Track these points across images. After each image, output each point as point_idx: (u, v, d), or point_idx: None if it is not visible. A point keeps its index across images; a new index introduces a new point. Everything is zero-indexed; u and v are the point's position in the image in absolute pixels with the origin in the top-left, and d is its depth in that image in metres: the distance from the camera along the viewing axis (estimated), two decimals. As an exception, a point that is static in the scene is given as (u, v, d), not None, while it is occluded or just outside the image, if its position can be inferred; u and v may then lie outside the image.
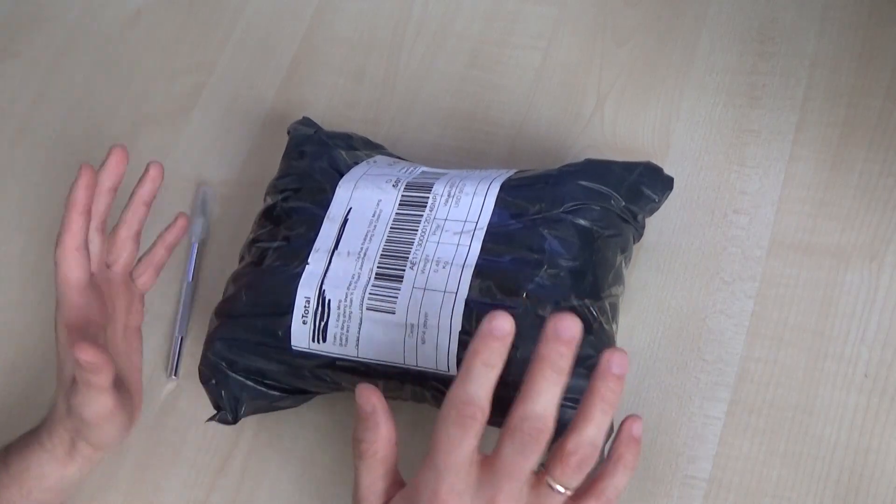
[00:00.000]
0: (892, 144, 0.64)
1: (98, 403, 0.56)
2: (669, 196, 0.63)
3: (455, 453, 0.47)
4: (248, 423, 0.66)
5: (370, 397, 0.51)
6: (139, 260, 0.65)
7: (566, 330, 0.46)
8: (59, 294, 0.59)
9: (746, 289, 0.62)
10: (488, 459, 0.48)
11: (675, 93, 0.69)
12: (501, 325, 0.46)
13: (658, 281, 0.64)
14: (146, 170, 0.64)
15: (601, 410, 0.48)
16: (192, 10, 0.84)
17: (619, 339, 0.60)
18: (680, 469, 0.59)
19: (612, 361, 0.48)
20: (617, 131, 0.69)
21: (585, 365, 0.55)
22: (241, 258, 0.64)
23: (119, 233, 0.64)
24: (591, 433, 0.47)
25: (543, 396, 0.46)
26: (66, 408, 0.58)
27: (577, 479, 0.48)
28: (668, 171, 0.62)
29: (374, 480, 0.51)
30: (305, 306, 0.58)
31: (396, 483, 0.52)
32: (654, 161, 0.62)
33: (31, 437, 0.60)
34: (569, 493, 0.49)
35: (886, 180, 0.63)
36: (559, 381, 0.46)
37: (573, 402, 0.55)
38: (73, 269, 0.59)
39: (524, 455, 0.46)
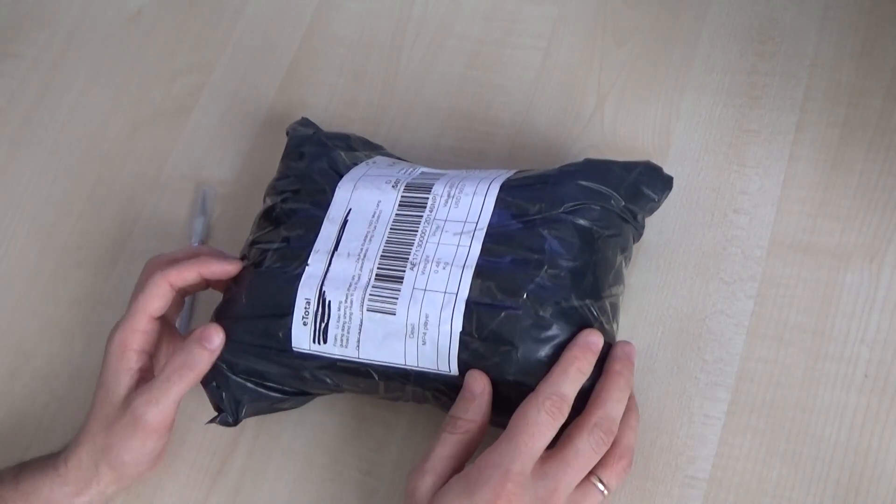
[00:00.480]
0: (892, 144, 0.64)
1: (169, 410, 0.58)
2: (669, 196, 0.63)
3: (538, 438, 0.52)
4: (248, 424, 0.66)
5: (482, 381, 0.54)
6: None
7: (632, 354, 0.56)
8: (133, 315, 0.60)
9: (746, 289, 0.62)
10: (556, 452, 0.53)
11: (675, 93, 0.69)
12: (596, 341, 0.54)
13: (658, 281, 0.64)
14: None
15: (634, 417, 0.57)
16: (191, 10, 0.84)
17: (620, 339, 0.60)
18: (680, 469, 0.59)
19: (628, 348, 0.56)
20: (617, 131, 0.69)
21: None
22: (241, 259, 0.64)
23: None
24: (631, 439, 0.56)
25: (618, 404, 0.54)
26: (104, 427, 0.59)
27: (620, 482, 0.55)
28: (668, 171, 0.62)
29: (449, 455, 0.54)
30: (306, 307, 0.58)
31: (460, 468, 0.54)
32: (655, 161, 0.62)
33: (47, 461, 0.61)
34: (607, 493, 0.54)
35: (886, 180, 0.63)
36: (626, 394, 0.55)
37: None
38: (158, 299, 0.60)
39: (596, 451, 0.53)
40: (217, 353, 0.59)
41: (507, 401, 0.55)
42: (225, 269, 0.62)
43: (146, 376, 0.60)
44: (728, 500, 0.58)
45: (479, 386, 0.54)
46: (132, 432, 0.59)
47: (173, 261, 0.62)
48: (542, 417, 0.52)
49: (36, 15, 0.87)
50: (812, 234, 0.63)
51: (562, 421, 0.52)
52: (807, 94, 0.67)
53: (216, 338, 0.59)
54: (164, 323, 0.63)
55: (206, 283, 0.63)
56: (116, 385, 0.59)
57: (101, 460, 0.59)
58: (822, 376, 0.59)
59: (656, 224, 0.65)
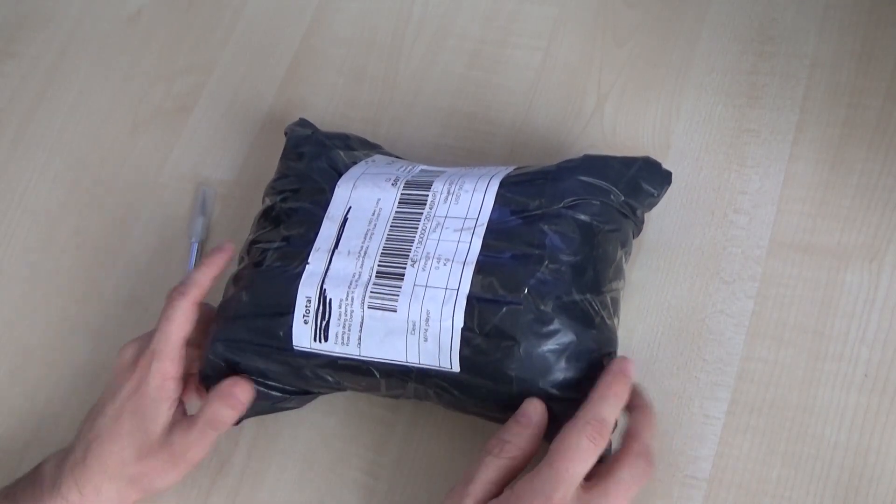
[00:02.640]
0: (892, 144, 0.64)
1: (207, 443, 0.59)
2: (669, 195, 0.63)
3: (580, 464, 0.51)
4: (249, 424, 0.66)
5: (540, 409, 0.54)
6: None
7: (628, 369, 0.55)
8: (167, 343, 0.60)
9: (746, 289, 0.62)
10: (597, 482, 0.52)
11: (675, 93, 0.69)
12: (630, 368, 0.55)
13: (658, 281, 0.64)
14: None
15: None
16: (191, 10, 0.84)
17: (619, 339, 0.60)
18: (680, 469, 0.59)
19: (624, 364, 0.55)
20: (617, 131, 0.69)
21: (588, 360, 0.55)
22: (241, 259, 0.64)
23: None
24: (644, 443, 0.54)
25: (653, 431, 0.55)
26: (138, 458, 0.59)
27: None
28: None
29: (492, 479, 0.53)
30: (307, 306, 0.58)
31: (499, 493, 0.53)
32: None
33: (39, 488, 0.60)
34: None
35: (886, 180, 0.63)
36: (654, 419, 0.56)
37: (575, 396, 0.55)
38: (187, 323, 0.61)
39: (637, 482, 0.52)
40: (245, 406, 0.60)
41: (509, 399, 0.55)
42: (223, 256, 0.63)
43: (179, 406, 0.61)
44: (728, 500, 0.58)
45: (537, 414, 0.54)
46: (171, 467, 0.59)
47: (188, 281, 0.62)
48: (583, 443, 0.51)
49: (36, 15, 0.87)
50: (812, 234, 0.63)
51: (603, 446, 0.52)
52: (807, 94, 0.67)
53: (243, 398, 0.59)
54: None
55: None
56: (157, 415, 0.59)
57: (129, 486, 0.59)
58: (822, 376, 0.59)
59: (656, 223, 0.65)
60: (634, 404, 0.55)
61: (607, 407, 0.53)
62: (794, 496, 0.57)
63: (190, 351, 0.62)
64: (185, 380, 0.62)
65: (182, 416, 0.60)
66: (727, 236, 0.64)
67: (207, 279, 0.62)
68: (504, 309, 0.54)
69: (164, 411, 0.59)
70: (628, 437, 0.54)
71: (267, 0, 0.82)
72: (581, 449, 0.51)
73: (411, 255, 0.58)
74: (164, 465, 0.59)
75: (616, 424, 0.55)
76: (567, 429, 0.52)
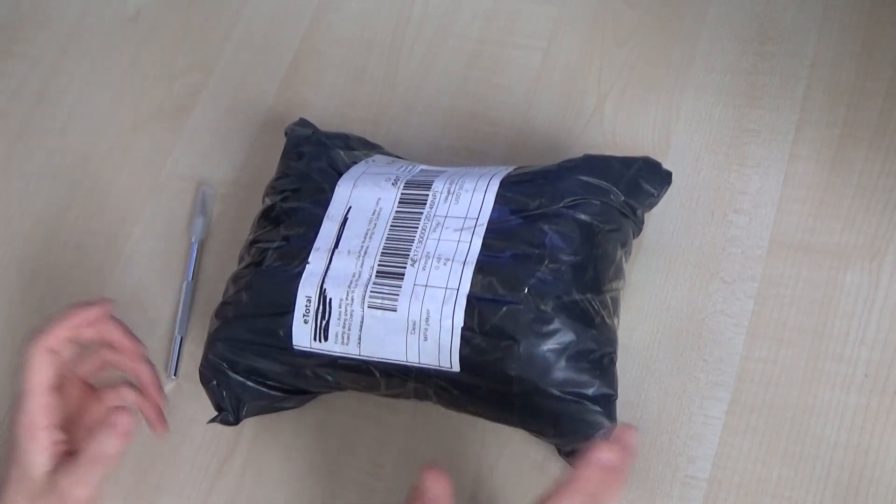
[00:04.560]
0: (892, 144, 0.64)
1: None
2: (669, 195, 0.63)
3: None
4: (248, 424, 0.66)
5: (440, 483, 0.51)
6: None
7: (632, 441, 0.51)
8: (28, 395, 0.59)
9: (746, 289, 0.62)
10: None
11: (675, 93, 0.69)
12: (607, 458, 0.49)
13: (658, 281, 0.64)
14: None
15: None
16: (191, 10, 0.84)
17: (619, 340, 0.60)
18: (680, 469, 0.59)
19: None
20: (617, 131, 0.69)
21: (588, 359, 0.55)
22: (241, 259, 0.64)
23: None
24: None
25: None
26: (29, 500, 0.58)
27: None
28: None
29: None
30: (306, 305, 0.58)
31: None
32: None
33: None
34: None
35: (886, 180, 0.63)
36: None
37: (574, 395, 0.55)
38: (44, 370, 0.59)
39: None
40: (129, 436, 0.59)
41: (509, 399, 0.55)
42: (87, 314, 0.61)
43: (62, 447, 0.59)
44: (728, 500, 0.58)
45: (436, 488, 0.50)
46: None
47: (44, 325, 0.60)
48: None
49: (36, 15, 0.87)
50: (812, 234, 0.63)
51: None
52: (807, 94, 0.67)
53: (127, 426, 0.58)
54: (73, 382, 0.63)
55: (102, 337, 0.63)
56: (33, 465, 0.58)
57: None
58: (822, 376, 0.59)
59: (656, 224, 0.65)
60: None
61: (595, 484, 0.49)
62: (794, 496, 0.57)
63: (75, 391, 0.62)
64: (67, 425, 0.60)
65: (67, 458, 0.59)
66: (727, 236, 0.64)
67: (64, 329, 0.60)
68: (504, 308, 0.54)
69: (39, 461, 0.58)
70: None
71: (267, 0, 0.82)
72: None
73: (411, 254, 0.58)
74: None
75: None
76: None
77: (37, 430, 0.58)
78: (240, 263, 0.64)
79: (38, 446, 0.58)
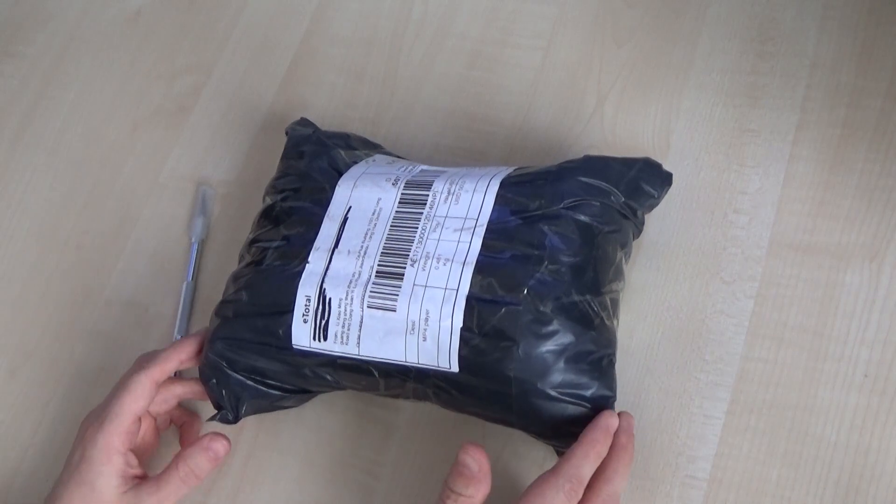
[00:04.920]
0: (892, 144, 0.64)
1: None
2: (669, 195, 0.63)
3: None
4: (248, 424, 0.66)
5: (478, 456, 0.53)
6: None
7: (632, 425, 0.57)
8: (118, 417, 0.60)
9: (746, 289, 0.62)
10: None
11: (675, 93, 0.69)
12: (614, 423, 0.55)
13: (658, 281, 0.64)
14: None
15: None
16: (191, 10, 0.84)
17: (619, 340, 0.60)
18: (680, 469, 0.59)
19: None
20: (617, 131, 0.69)
21: (587, 361, 0.55)
22: (241, 258, 0.64)
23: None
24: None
25: (624, 480, 0.55)
26: None
27: None
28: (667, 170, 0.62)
29: None
30: (306, 305, 0.58)
31: None
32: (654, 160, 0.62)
33: None
34: None
35: (886, 180, 0.63)
36: (630, 467, 0.56)
37: (573, 397, 0.55)
38: (143, 399, 0.61)
39: None
40: (220, 462, 0.61)
41: (509, 397, 0.55)
42: (192, 347, 0.63)
43: (130, 472, 0.60)
44: (728, 500, 0.58)
45: (475, 462, 0.53)
46: None
47: (154, 356, 0.62)
48: (559, 499, 0.52)
49: (36, 15, 0.87)
50: (812, 234, 0.63)
51: (577, 501, 0.52)
52: (807, 94, 0.67)
53: (222, 451, 0.61)
54: (146, 416, 0.64)
55: (177, 403, 0.65)
56: (106, 486, 0.59)
57: None
58: (822, 376, 0.59)
59: (656, 224, 0.65)
60: (620, 443, 0.55)
61: (588, 466, 0.53)
62: (794, 496, 0.57)
63: (147, 425, 0.63)
64: (141, 454, 0.62)
65: (143, 480, 0.60)
66: (727, 236, 0.64)
67: (174, 363, 0.62)
68: (503, 309, 0.54)
69: (112, 483, 0.59)
70: (601, 480, 0.54)
71: (267, 0, 0.82)
72: None
73: (411, 254, 0.58)
74: None
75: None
76: (545, 482, 0.52)
77: (113, 454, 0.59)
78: (240, 262, 0.64)
79: (113, 469, 0.59)
